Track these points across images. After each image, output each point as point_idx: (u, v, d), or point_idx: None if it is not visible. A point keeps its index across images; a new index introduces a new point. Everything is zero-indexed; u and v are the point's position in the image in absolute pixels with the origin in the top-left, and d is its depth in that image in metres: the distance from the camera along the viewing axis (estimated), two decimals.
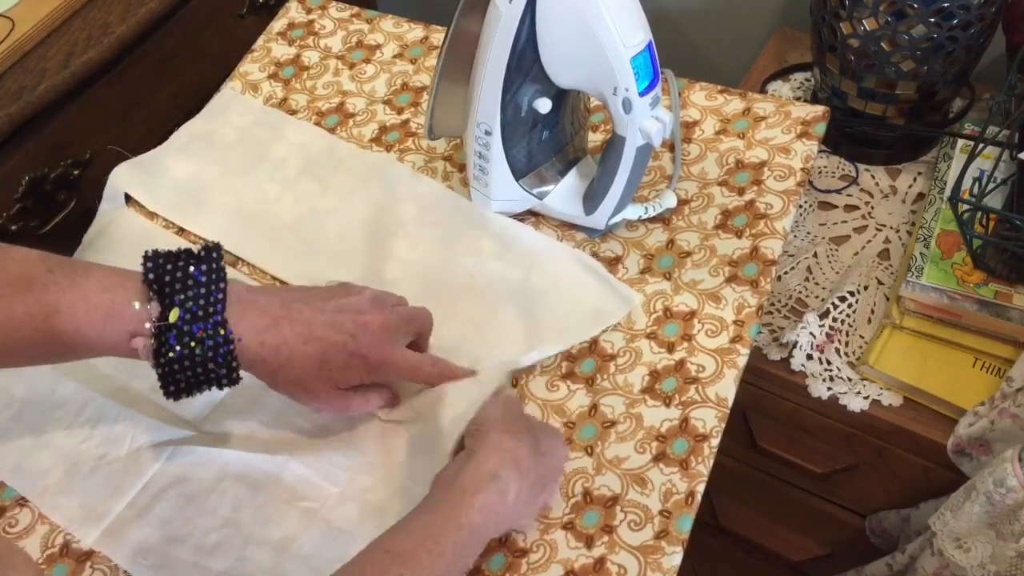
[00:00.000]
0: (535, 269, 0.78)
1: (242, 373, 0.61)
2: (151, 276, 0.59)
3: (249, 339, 0.60)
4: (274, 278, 0.80)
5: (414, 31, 0.98)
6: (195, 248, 0.61)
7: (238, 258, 0.82)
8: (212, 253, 0.61)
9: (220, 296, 0.60)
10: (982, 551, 0.81)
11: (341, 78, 0.95)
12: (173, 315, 0.58)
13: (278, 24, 1.01)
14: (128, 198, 0.87)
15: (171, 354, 0.58)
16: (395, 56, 0.96)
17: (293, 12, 1.02)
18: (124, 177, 0.87)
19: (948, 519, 0.81)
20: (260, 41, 1.00)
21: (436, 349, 0.72)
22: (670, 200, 0.79)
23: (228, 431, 0.71)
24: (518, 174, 0.78)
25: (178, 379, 0.59)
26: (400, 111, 0.91)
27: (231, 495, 0.67)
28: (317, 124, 0.91)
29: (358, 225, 0.82)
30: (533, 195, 0.79)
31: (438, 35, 0.97)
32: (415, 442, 0.69)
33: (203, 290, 0.59)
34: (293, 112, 0.93)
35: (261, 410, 0.71)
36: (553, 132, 0.77)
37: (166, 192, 0.87)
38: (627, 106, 0.68)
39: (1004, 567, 0.80)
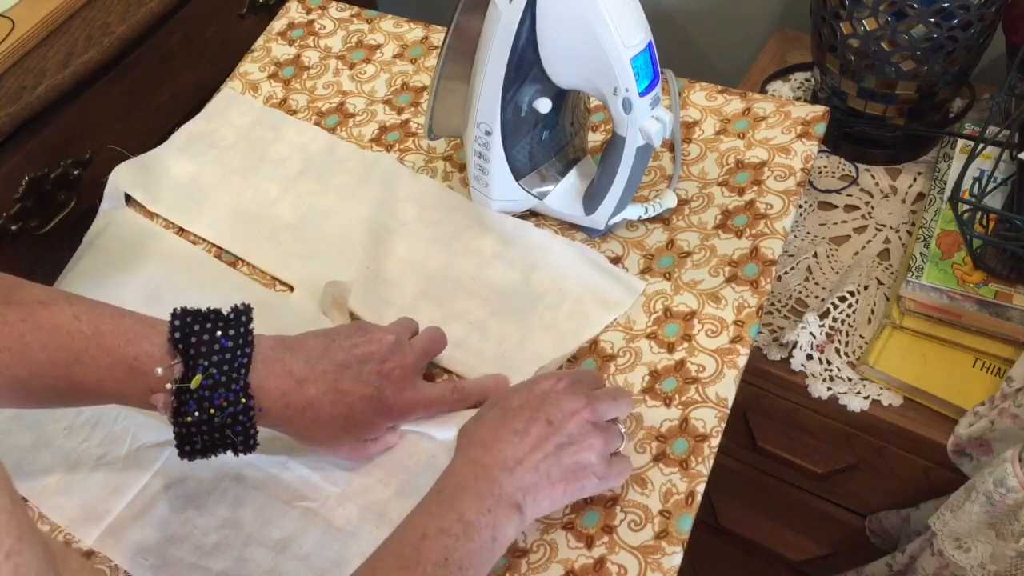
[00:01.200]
0: (537, 268, 0.78)
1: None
2: (177, 335, 0.59)
3: (274, 402, 0.61)
4: (274, 278, 0.80)
5: (414, 31, 0.98)
6: (225, 311, 0.61)
7: (238, 258, 0.82)
8: (241, 316, 0.61)
9: (245, 361, 0.60)
10: (982, 551, 0.81)
11: (341, 78, 0.95)
12: (195, 382, 0.58)
13: (278, 24, 1.01)
14: (128, 198, 0.87)
15: (188, 418, 0.58)
16: (395, 56, 0.96)
17: (293, 12, 1.02)
18: (124, 177, 0.87)
19: (948, 519, 0.81)
20: (260, 41, 1.00)
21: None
22: (670, 200, 0.79)
23: None
24: (518, 174, 0.78)
25: (194, 441, 0.59)
26: (400, 111, 0.91)
27: (231, 495, 0.67)
28: (317, 124, 0.91)
29: (358, 225, 0.82)
30: (533, 195, 0.79)
31: (438, 35, 0.97)
32: (415, 442, 0.69)
33: (228, 355, 0.59)
34: (293, 112, 0.93)
35: None
36: (553, 132, 0.77)
37: (166, 192, 0.87)
38: (627, 106, 0.68)
39: (1004, 567, 0.80)
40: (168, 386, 0.58)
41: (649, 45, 0.68)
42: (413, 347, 0.67)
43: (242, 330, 0.60)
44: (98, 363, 0.58)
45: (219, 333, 0.59)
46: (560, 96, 0.74)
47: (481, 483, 0.57)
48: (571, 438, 0.60)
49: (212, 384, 0.58)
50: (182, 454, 0.60)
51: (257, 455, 0.68)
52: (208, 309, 0.61)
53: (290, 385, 0.61)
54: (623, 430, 0.64)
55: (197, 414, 0.58)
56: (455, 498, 0.56)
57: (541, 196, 0.79)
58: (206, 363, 0.58)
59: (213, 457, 0.61)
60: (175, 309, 0.60)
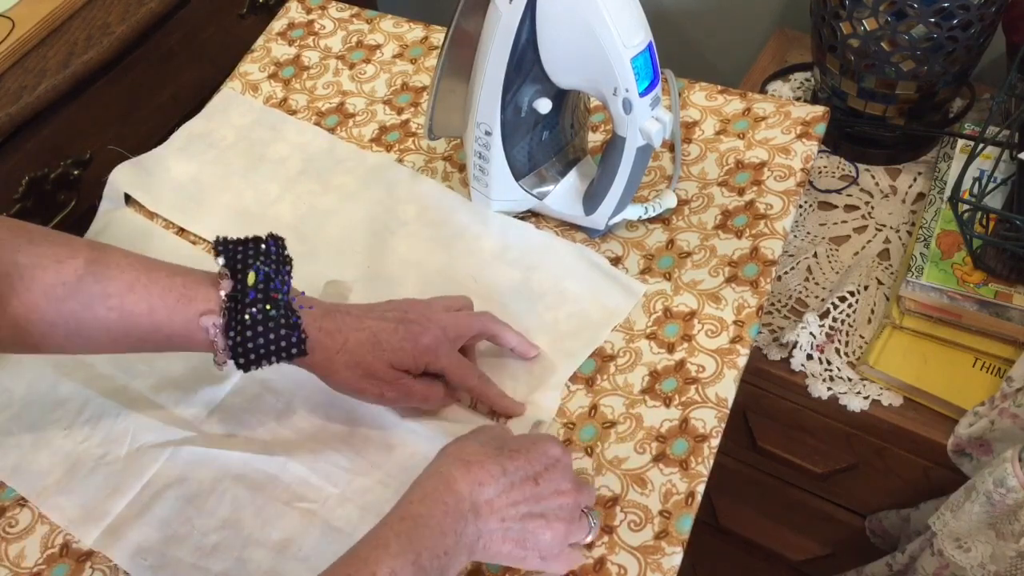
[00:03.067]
0: (537, 268, 0.78)
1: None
2: (222, 252, 0.62)
3: (309, 324, 0.63)
4: None
5: (414, 31, 0.98)
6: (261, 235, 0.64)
7: None
8: (278, 238, 0.64)
9: (288, 269, 0.63)
10: (982, 551, 0.81)
11: (341, 78, 0.95)
12: (251, 278, 0.61)
13: (278, 24, 1.01)
14: (128, 198, 0.87)
15: (247, 317, 0.60)
16: (395, 56, 0.96)
17: (293, 12, 1.02)
18: (124, 177, 0.87)
19: (948, 519, 0.81)
20: (260, 41, 1.00)
21: None
22: (670, 200, 0.79)
23: (228, 432, 0.71)
24: (518, 174, 0.78)
25: (249, 348, 0.61)
26: (400, 111, 0.91)
27: (231, 496, 0.67)
28: (317, 124, 0.91)
29: (358, 225, 0.82)
30: (533, 195, 0.79)
31: (438, 35, 0.97)
32: (415, 443, 0.69)
33: (274, 258, 0.62)
34: (293, 112, 0.93)
35: (261, 411, 0.71)
36: (553, 132, 0.77)
37: (166, 192, 0.87)
38: (627, 106, 0.68)
39: (1004, 567, 0.80)
40: (221, 295, 0.61)
41: (649, 45, 0.68)
42: (443, 314, 0.69)
43: (281, 244, 0.64)
44: (150, 291, 0.61)
45: (263, 245, 0.63)
46: (560, 96, 0.74)
47: (447, 520, 0.56)
48: (544, 512, 0.59)
49: (265, 278, 0.61)
50: (239, 365, 0.61)
51: (257, 455, 0.68)
52: (245, 237, 0.64)
53: (321, 312, 0.64)
54: (592, 523, 0.62)
55: (254, 310, 0.60)
56: (416, 534, 0.55)
57: (541, 196, 0.79)
58: (258, 263, 0.61)
59: (267, 366, 0.62)
60: (216, 237, 0.63)
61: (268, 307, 0.60)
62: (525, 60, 0.70)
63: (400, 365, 0.66)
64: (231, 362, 0.62)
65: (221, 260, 0.62)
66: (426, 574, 0.54)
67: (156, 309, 0.61)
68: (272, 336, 0.61)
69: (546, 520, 0.59)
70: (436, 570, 0.54)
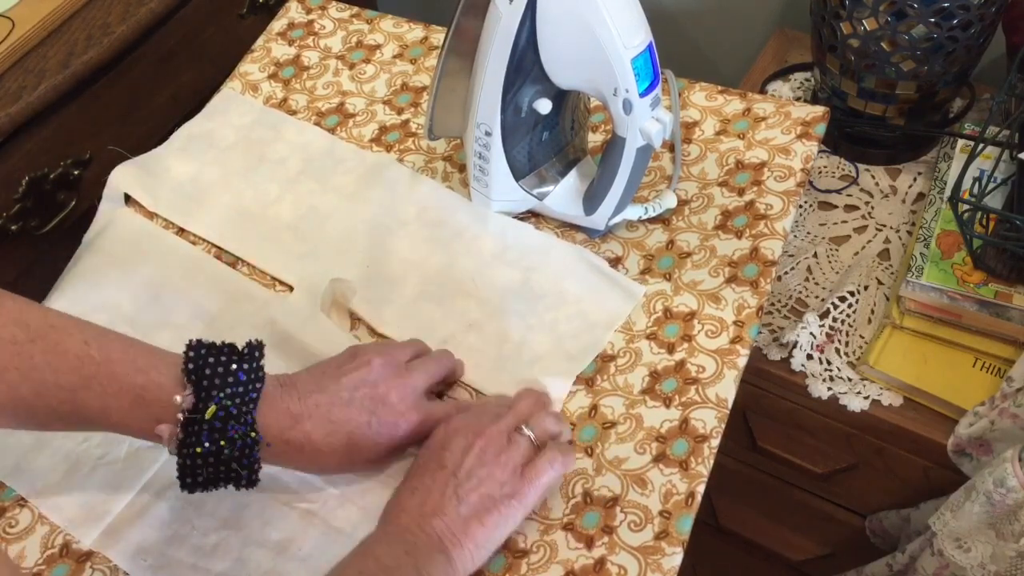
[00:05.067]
0: (537, 269, 0.78)
1: None
2: (191, 367, 0.59)
3: (275, 439, 0.61)
4: (274, 278, 0.80)
5: (414, 31, 0.98)
6: (239, 345, 0.61)
7: (238, 258, 0.82)
8: (255, 352, 0.61)
9: (255, 396, 0.60)
10: (982, 551, 0.81)
11: (341, 78, 0.95)
12: (210, 413, 0.58)
13: (278, 24, 1.01)
14: (128, 198, 0.87)
15: (198, 449, 0.58)
16: (395, 56, 0.96)
17: (293, 12, 1.02)
18: (124, 177, 0.87)
19: (948, 519, 0.81)
20: (260, 41, 1.00)
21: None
22: (670, 201, 0.79)
23: None
24: (518, 175, 0.78)
25: (198, 474, 0.59)
26: (400, 111, 0.91)
27: (230, 496, 0.67)
28: (317, 124, 0.91)
29: (358, 225, 0.82)
30: (533, 195, 0.79)
31: (438, 35, 0.97)
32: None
33: (241, 389, 0.59)
34: (293, 112, 0.93)
35: None
36: (553, 133, 0.77)
37: (166, 192, 0.87)
38: (627, 107, 0.68)
39: (1004, 567, 0.80)
40: (179, 416, 0.58)
41: (649, 46, 0.68)
42: (412, 368, 0.67)
43: (255, 364, 0.61)
44: (105, 390, 0.58)
45: (234, 366, 0.59)
46: (560, 97, 0.74)
47: (392, 538, 0.58)
48: (471, 473, 0.60)
49: (225, 416, 0.58)
50: (184, 486, 0.60)
51: None
52: (223, 343, 0.61)
53: (288, 422, 0.61)
54: (530, 435, 0.63)
55: (207, 444, 0.58)
56: (367, 547, 0.58)
57: (541, 197, 0.79)
58: (221, 395, 0.58)
59: (213, 490, 0.61)
60: (190, 341, 0.60)
61: (223, 443, 0.58)
62: (525, 60, 0.70)
63: (380, 459, 0.65)
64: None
65: (192, 371, 0.59)
66: (396, 570, 0.55)
67: (111, 409, 0.58)
68: (223, 469, 0.59)
69: (475, 479, 0.60)
70: (406, 566, 0.55)
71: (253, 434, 0.59)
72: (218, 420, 0.58)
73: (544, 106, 0.73)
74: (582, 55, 0.67)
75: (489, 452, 0.61)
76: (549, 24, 0.67)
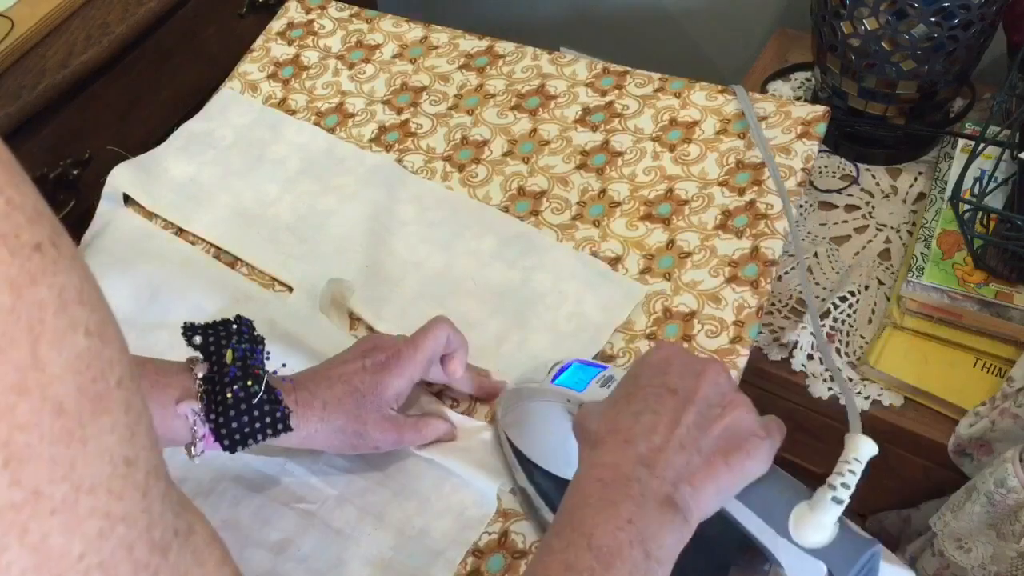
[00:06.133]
0: (536, 269, 0.78)
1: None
2: (195, 339, 0.59)
3: (286, 399, 0.60)
4: (273, 278, 0.80)
5: (414, 31, 0.98)
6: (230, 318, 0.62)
7: (237, 258, 0.82)
8: (247, 320, 0.62)
9: (262, 348, 0.60)
10: (983, 551, 0.81)
11: (340, 78, 0.95)
12: (229, 355, 0.58)
13: (277, 24, 1.01)
14: (127, 198, 0.87)
15: (228, 396, 0.57)
16: (395, 56, 0.96)
17: (292, 12, 1.01)
18: (123, 177, 0.87)
19: (949, 519, 0.81)
20: (259, 41, 1.00)
21: None
22: (868, 449, 0.51)
23: None
24: None
25: (234, 428, 0.58)
26: (400, 111, 0.91)
27: (229, 496, 0.67)
28: (316, 124, 0.91)
29: (357, 225, 0.82)
30: None
31: (438, 35, 0.97)
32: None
33: (247, 337, 0.60)
34: (292, 112, 0.92)
35: None
36: None
37: (165, 192, 0.87)
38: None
39: (1005, 567, 0.80)
40: (199, 376, 0.58)
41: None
42: (400, 340, 0.67)
43: (253, 326, 0.62)
44: None
45: (234, 326, 0.60)
46: None
47: (611, 490, 0.45)
48: (709, 402, 0.48)
49: (244, 357, 0.58)
50: (225, 446, 0.58)
51: (256, 456, 0.68)
52: (215, 320, 0.61)
53: (289, 388, 0.62)
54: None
55: (236, 387, 0.57)
56: (578, 520, 0.44)
57: None
58: (234, 340, 0.59)
59: (254, 445, 0.59)
60: (184, 323, 0.60)
61: (250, 383, 0.58)
62: None
63: (387, 405, 0.64)
64: (207, 451, 0.59)
65: (198, 339, 0.58)
66: (615, 554, 0.43)
67: None
68: (256, 413, 0.58)
69: (721, 408, 0.48)
70: (628, 545, 0.43)
71: (272, 371, 0.60)
72: (238, 362, 0.58)
73: None
74: None
75: (723, 382, 0.50)
76: None
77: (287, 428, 0.59)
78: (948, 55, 0.91)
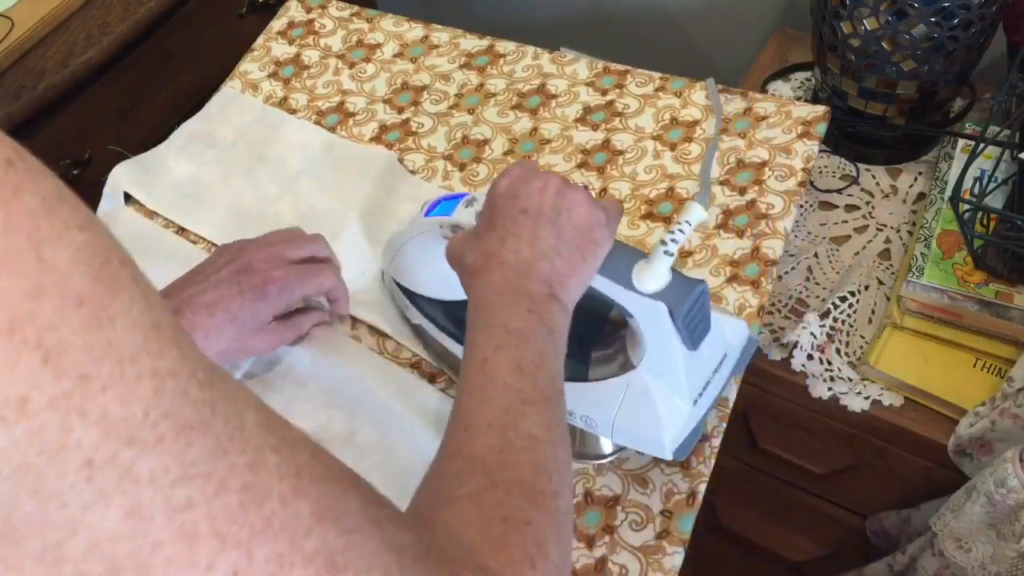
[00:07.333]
0: None
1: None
2: None
3: None
4: None
5: (414, 30, 0.98)
6: None
7: None
8: None
9: None
10: (983, 551, 0.81)
11: (341, 77, 0.95)
12: None
13: (278, 23, 1.01)
14: (128, 197, 0.87)
15: None
16: (395, 55, 0.96)
17: (293, 11, 1.01)
18: (124, 176, 0.87)
19: (949, 519, 0.81)
20: (260, 40, 1.00)
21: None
22: (697, 214, 0.59)
23: None
24: None
25: None
26: (400, 110, 0.91)
27: None
28: (317, 123, 0.91)
29: (358, 224, 0.82)
30: None
31: (438, 34, 0.97)
32: (416, 444, 0.68)
33: None
34: (293, 111, 0.92)
35: None
36: None
37: (166, 192, 0.87)
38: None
39: (1005, 567, 0.80)
40: None
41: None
42: (265, 246, 0.69)
43: None
44: None
45: None
46: None
47: (505, 296, 0.52)
48: (555, 209, 0.55)
49: None
50: None
51: None
52: None
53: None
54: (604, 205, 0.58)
55: None
56: (489, 318, 0.52)
57: None
58: None
59: None
60: None
61: None
62: None
63: (265, 324, 0.67)
64: None
65: None
66: (528, 332, 0.50)
67: None
68: None
69: (565, 212, 0.55)
70: (536, 323, 0.51)
71: None
72: None
73: None
74: None
75: (560, 186, 0.56)
76: None
77: None
78: (948, 55, 0.91)
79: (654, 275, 0.56)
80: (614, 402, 0.61)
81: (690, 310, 0.56)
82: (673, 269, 0.57)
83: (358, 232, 0.82)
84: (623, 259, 0.58)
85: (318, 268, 0.70)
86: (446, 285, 0.68)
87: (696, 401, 0.61)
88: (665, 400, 0.60)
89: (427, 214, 0.66)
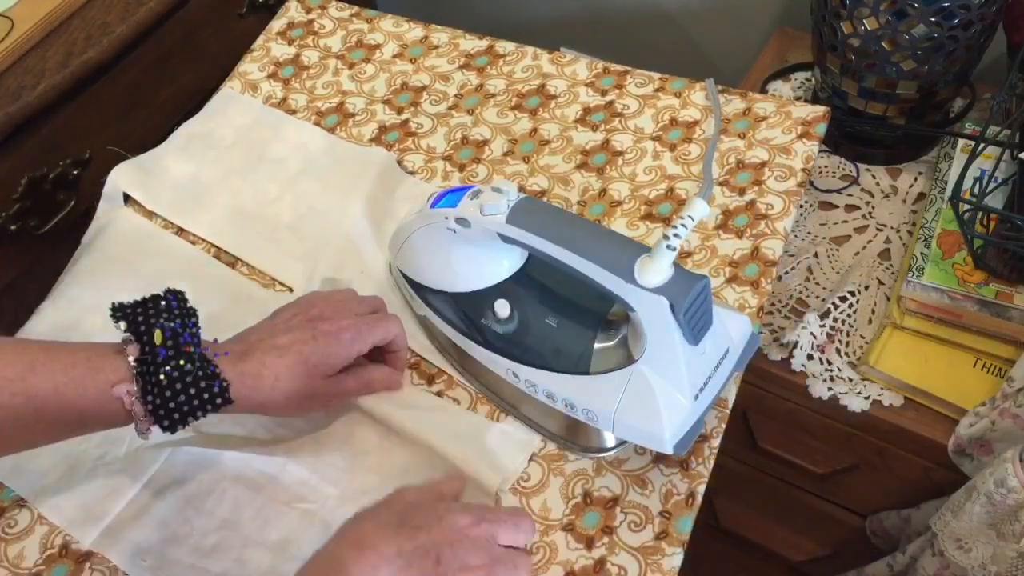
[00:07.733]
0: None
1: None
2: (121, 316, 0.60)
3: (228, 371, 0.61)
4: (273, 278, 0.80)
5: (414, 31, 0.98)
6: (160, 292, 0.62)
7: (237, 258, 0.82)
8: (177, 293, 0.62)
9: (195, 321, 0.61)
10: (983, 551, 0.81)
11: (341, 78, 0.95)
12: (158, 336, 0.59)
13: (278, 24, 1.01)
14: (127, 198, 0.87)
15: (162, 377, 0.58)
16: (395, 56, 0.96)
17: (293, 12, 1.01)
18: (123, 177, 0.87)
19: (949, 519, 0.81)
20: (260, 41, 1.00)
21: None
22: (701, 210, 0.59)
23: (227, 432, 0.71)
24: None
25: (171, 408, 0.59)
26: (400, 111, 0.91)
27: (230, 496, 0.67)
28: (316, 124, 0.91)
29: (357, 225, 0.82)
30: None
31: (438, 34, 0.97)
32: (413, 442, 0.68)
33: (176, 313, 0.61)
34: (292, 112, 0.92)
35: None
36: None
37: (165, 192, 0.87)
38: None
39: (1005, 568, 0.80)
40: (130, 360, 0.59)
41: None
42: (341, 299, 0.69)
43: (183, 298, 0.62)
44: (52, 368, 0.58)
45: (163, 303, 0.61)
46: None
47: None
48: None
49: (173, 334, 0.59)
50: (165, 428, 0.60)
51: (256, 456, 0.68)
52: (143, 297, 0.62)
53: (236, 357, 0.62)
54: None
55: (168, 368, 0.58)
56: None
57: None
58: (162, 319, 0.59)
59: (193, 421, 0.60)
60: (112, 304, 0.61)
61: (182, 362, 0.59)
62: None
63: (334, 371, 0.66)
64: (156, 428, 0.60)
65: (122, 325, 0.60)
66: None
67: (63, 386, 0.57)
68: (192, 391, 0.59)
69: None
70: None
71: (203, 347, 0.60)
72: (169, 338, 0.59)
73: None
74: None
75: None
76: None
77: (227, 401, 0.60)
78: (948, 55, 0.91)
79: (656, 270, 0.56)
80: (615, 396, 0.61)
81: (691, 305, 0.56)
82: (675, 264, 0.57)
83: (357, 232, 0.82)
84: (625, 253, 0.58)
85: (386, 317, 0.69)
86: (451, 277, 0.70)
87: (697, 396, 0.61)
88: (666, 394, 0.60)
89: (433, 206, 0.67)
